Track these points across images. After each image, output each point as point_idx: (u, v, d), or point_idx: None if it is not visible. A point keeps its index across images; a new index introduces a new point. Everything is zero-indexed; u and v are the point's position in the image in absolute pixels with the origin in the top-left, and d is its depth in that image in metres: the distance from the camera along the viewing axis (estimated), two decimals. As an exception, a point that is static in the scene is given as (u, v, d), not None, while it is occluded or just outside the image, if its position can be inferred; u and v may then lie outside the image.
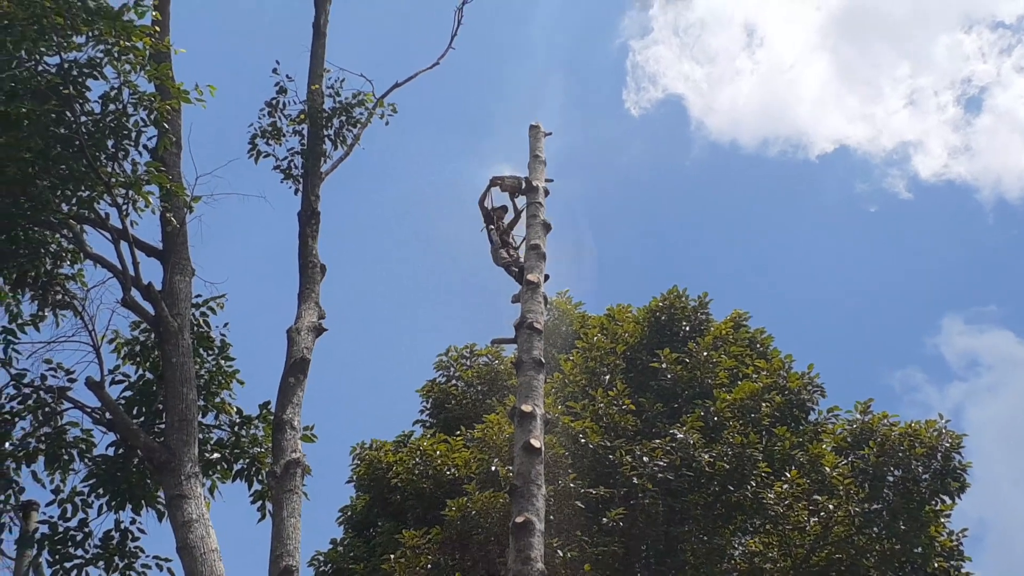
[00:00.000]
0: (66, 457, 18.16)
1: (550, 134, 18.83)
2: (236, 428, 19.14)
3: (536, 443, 14.28)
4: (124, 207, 17.12)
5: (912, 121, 63.36)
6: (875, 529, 22.71)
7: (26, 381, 18.16)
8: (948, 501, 23.23)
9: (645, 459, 21.66)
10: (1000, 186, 65.05)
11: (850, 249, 60.61)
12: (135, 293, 17.05)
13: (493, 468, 21.98)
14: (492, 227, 19.42)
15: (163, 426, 16.98)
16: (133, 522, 18.26)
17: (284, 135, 20.41)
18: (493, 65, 60.27)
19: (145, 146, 17.56)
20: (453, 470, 23.05)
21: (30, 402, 18.11)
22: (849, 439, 23.78)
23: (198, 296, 18.76)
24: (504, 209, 19.78)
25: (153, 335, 17.97)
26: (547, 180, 18.22)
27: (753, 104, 64.82)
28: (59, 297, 18.48)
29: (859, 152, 62.92)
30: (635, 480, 21.53)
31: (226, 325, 19.44)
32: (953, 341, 59.01)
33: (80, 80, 16.87)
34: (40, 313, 18.66)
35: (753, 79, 66.10)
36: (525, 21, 61.97)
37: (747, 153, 61.56)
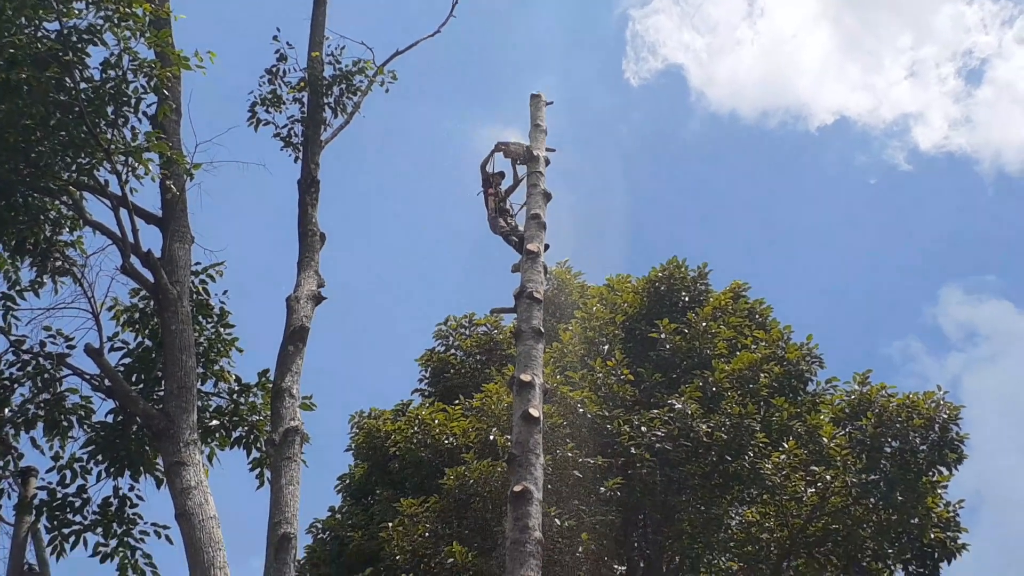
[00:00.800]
0: (65, 424, 18.24)
1: (551, 103, 18.81)
2: (235, 396, 19.18)
3: (535, 412, 14.31)
4: (124, 174, 17.08)
5: (913, 92, 63.35)
6: (872, 500, 22.75)
7: (25, 347, 18.23)
8: (945, 472, 23.25)
9: (643, 429, 21.70)
10: (1000, 158, 65.09)
11: (849, 220, 60.76)
12: (134, 260, 17.02)
13: (491, 437, 22.05)
14: (490, 192, 19.44)
15: (162, 393, 16.99)
16: (132, 488, 18.36)
17: (284, 103, 20.34)
18: (495, 33, 60.16)
19: (145, 113, 17.52)
20: (451, 439, 23.10)
21: (29, 368, 18.17)
22: (847, 410, 23.80)
23: (197, 264, 18.78)
24: (502, 175, 19.81)
25: (152, 302, 17.97)
26: (548, 150, 18.21)
27: (754, 75, 64.77)
28: (58, 264, 18.49)
29: (859, 123, 62.89)
30: (633, 450, 21.58)
31: (225, 293, 19.50)
32: (951, 311, 59.19)
33: (80, 47, 16.80)
34: (39, 279, 18.68)
35: (754, 49, 65.98)
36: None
37: (747, 124, 61.56)
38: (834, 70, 65.62)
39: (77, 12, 16.63)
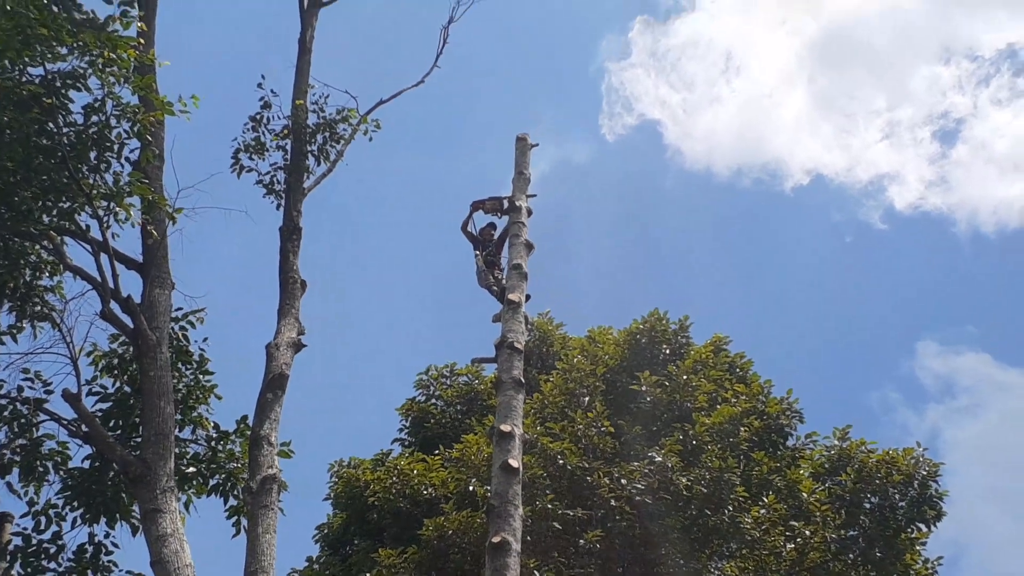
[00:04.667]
0: (41, 469, 18.11)
1: (536, 145, 18.82)
2: (213, 443, 19.11)
3: (514, 463, 14.28)
4: (105, 219, 17.03)
5: (888, 153, 63.75)
6: (851, 556, 22.71)
7: (2, 392, 18.11)
8: (924, 529, 23.24)
9: (623, 481, 21.61)
10: (976, 218, 65.44)
11: (826, 276, 61.05)
12: (114, 306, 16.95)
13: (471, 488, 21.94)
14: (478, 252, 19.42)
15: (139, 439, 16.90)
16: (107, 535, 18.24)
17: (267, 150, 20.42)
18: (476, 83, 60.50)
19: (127, 158, 17.47)
20: (430, 489, 23.00)
21: (6, 413, 18.07)
22: (827, 465, 23.82)
23: (178, 309, 18.74)
24: (492, 226, 19.81)
25: (131, 348, 17.90)
26: (530, 196, 18.23)
27: (730, 132, 65.10)
28: (38, 308, 18.42)
29: (835, 182, 63.27)
30: (613, 502, 21.47)
31: (205, 340, 19.46)
32: (928, 363, 59.44)
33: (63, 91, 16.82)
34: (18, 324, 18.60)
35: (730, 106, 66.38)
36: (509, 39, 62.15)
37: (722, 181, 61.88)
38: (809, 128, 66.20)
39: (62, 56, 16.61)
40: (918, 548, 23.23)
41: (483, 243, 19.72)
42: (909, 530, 23.15)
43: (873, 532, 22.76)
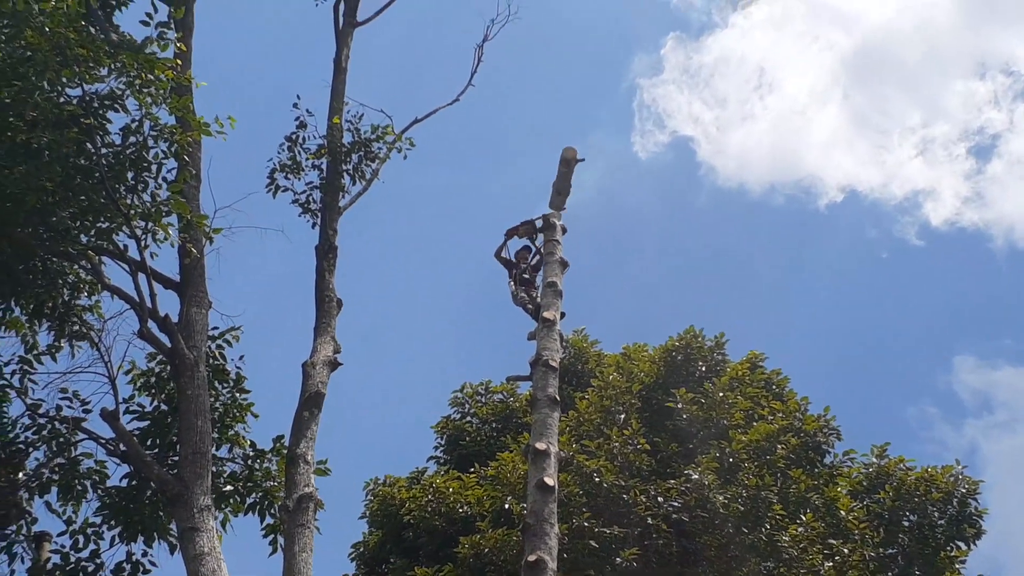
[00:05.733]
0: (79, 488, 18.21)
1: (582, 160, 18.64)
2: (249, 461, 19.15)
3: (550, 481, 14.23)
4: (143, 239, 17.15)
5: (923, 169, 63.42)
6: (890, 574, 22.53)
7: (41, 411, 18.23)
8: (964, 547, 23.07)
9: (660, 499, 21.55)
10: (1013, 233, 64.92)
11: (861, 292, 60.72)
12: (152, 325, 17.05)
13: (506, 506, 21.91)
14: (513, 274, 19.37)
15: (176, 458, 16.97)
16: (145, 554, 18.32)
17: (303, 169, 20.50)
18: (509, 101, 60.61)
19: (165, 178, 17.61)
20: (466, 507, 22.99)
21: (45, 432, 18.19)
22: (865, 483, 23.66)
23: (214, 328, 18.81)
24: (528, 249, 19.78)
25: (169, 367, 17.98)
26: (562, 209, 18.19)
27: (763, 148, 64.96)
28: (76, 328, 18.55)
29: (869, 198, 62.96)
30: (649, 520, 21.41)
31: (241, 358, 19.53)
32: (965, 378, 59.13)
33: (101, 112, 16.96)
34: (57, 344, 18.74)
35: (763, 123, 66.23)
36: (542, 57, 62.19)
37: (754, 199, 61.72)
38: (843, 145, 65.83)
39: (100, 77, 16.75)
40: (957, 567, 23.04)
41: (518, 264, 19.70)
42: (948, 548, 22.97)
43: (912, 550, 22.60)
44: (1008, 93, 63.33)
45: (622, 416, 23.65)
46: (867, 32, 67.50)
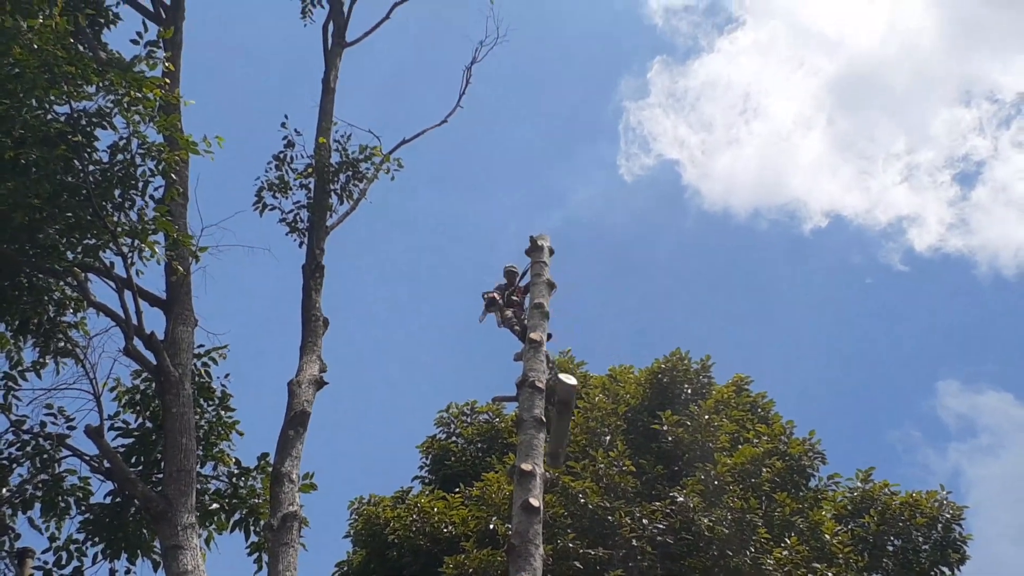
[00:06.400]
0: (63, 504, 18.17)
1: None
2: (234, 479, 19.11)
3: (535, 502, 14.23)
4: (129, 256, 17.16)
5: (908, 196, 63.67)
6: (874, 598, 22.62)
7: (25, 428, 18.20)
8: (947, 572, 23.12)
9: (645, 521, 21.57)
10: (997, 260, 65.31)
11: (845, 316, 60.95)
12: (137, 342, 17.04)
13: (491, 526, 21.92)
14: (496, 307, 19.37)
15: (161, 475, 16.95)
16: (128, 572, 18.27)
17: (291, 188, 20.56)
18: (497, 123, 60.82)
19: (152, 196, 17.62)
20: (451, 527, 22.98)
21: (29, 448, 18.15)
22: (849, 507, 23.74)
23: (200, 346, 18.81)
24: (514, 275, 19.82)
25: (154, 384, 17.97)
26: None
27: (749, 172, 65.19)
28: (61, 344, 18.51)
29: (854, 223, 63.18)
30: (634, 542, 21.42)
31: (227, 376, 19.48)
32: (948, 403, 59.35)
33: (89, 129, 16.95)
34: (41, 360, 18.70)
35: (748, 147, 66.45)
36: (529, 79, 62.48)
37: (739, 223, 61.93)
38: (828, 170, 66.10)
39: (88, 95, 16.75)
40: (941, 591, 23.13)
41: (502, 288, 19.72)
42: (932, 573, 23.04)
43: (896, 575, 22.63)
44: (993, 120, 63.67)
45: (608, 438, 23.69)
46: (852, 58, 67.97)
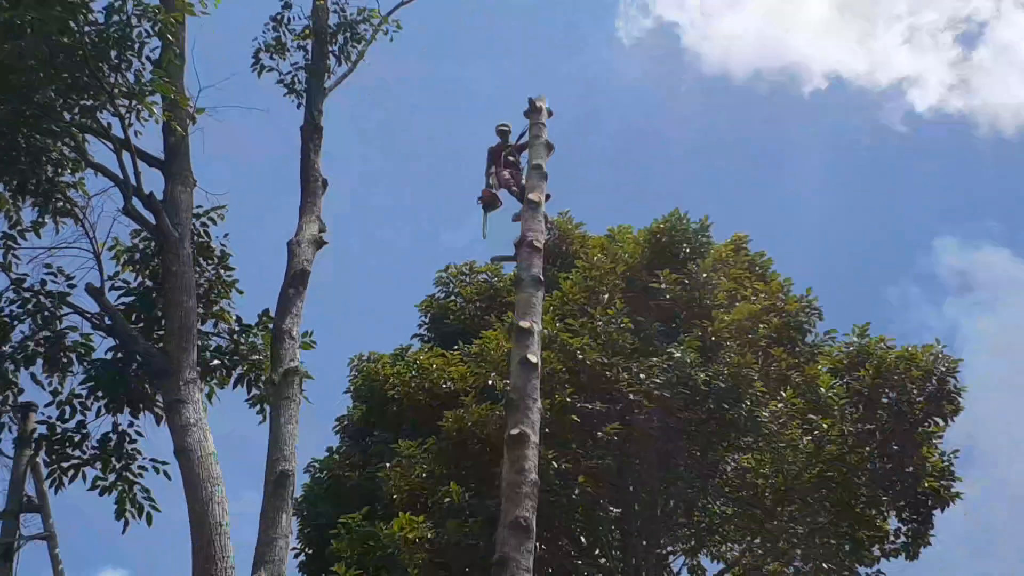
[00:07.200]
0: (65, 360, 18.28)
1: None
2: (235, 335, 19.26)
3: (533, 358, 14.45)
4: (127, 117, 17.15)
5: (910, 56, 63.15)
6: (867, 449, 22.93)
7: (26, 286, 18.28)
8: (941, 423, 23.42)
9: (642, 376, 21.78)
10: (998, 122, 65.06)
11: (844, 176, 60.83)
12: (136, 202, 17.10)
13: (490, 382, 22.17)
14: (492, 171, 19.43)
15: (162, 333, 17.12)
16: (131, 425, 18.36)
17: (288, 50, 20.43)
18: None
19: (148, 58, 17.49)
20: (449, 383, 23.24)
21: (30, 306, 18.21)
22: (845, 361, 23.89)
23: (199, 207, 18.80)
24: (506, 134, 19.86)
25: (153, 243, 18.07)
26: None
27: (750, 34, 64.56)
28: (60, 205, 18.51)
29: (854, 85, 62.80)
30: (631, 396, 21.69)
31: (226, 236, 19.52)
32: (947, 259, 59.49)
33: (85, -11, 16.82)
34: (41, 220, 18.68)
35: (750, 9, 65.76)
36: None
37: (738, 85, 61.50)
38: (829, 32, 65.44)
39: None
40: (934, 442, 23.41)
41: (502, 148, 19.75)
42: (926, 424, 23.32)
43: (890, 426, 22.95)
44: (996, -21, 62.84)
45: (606, 296, 23.80)
46: (857, -84, 66.83)
